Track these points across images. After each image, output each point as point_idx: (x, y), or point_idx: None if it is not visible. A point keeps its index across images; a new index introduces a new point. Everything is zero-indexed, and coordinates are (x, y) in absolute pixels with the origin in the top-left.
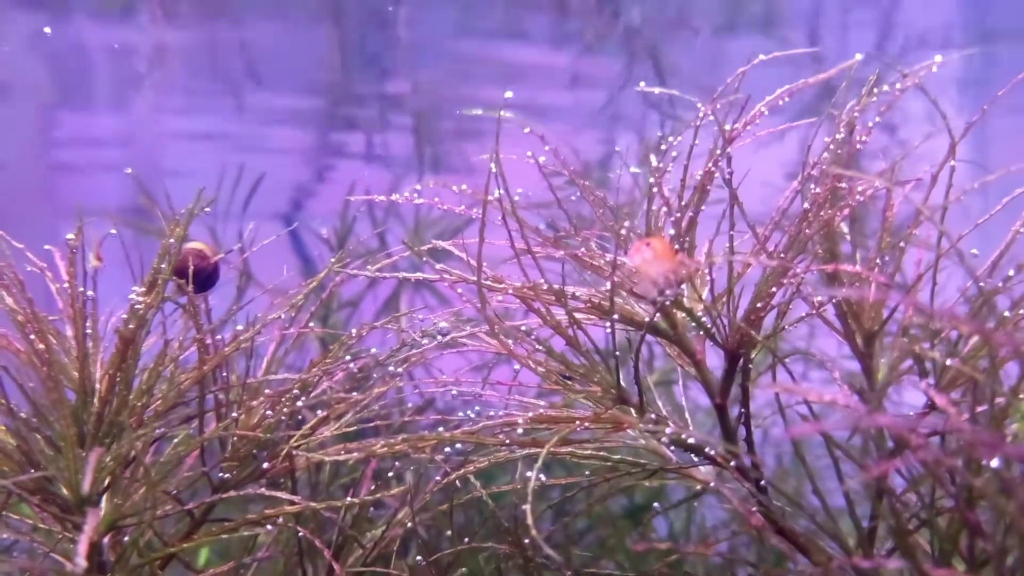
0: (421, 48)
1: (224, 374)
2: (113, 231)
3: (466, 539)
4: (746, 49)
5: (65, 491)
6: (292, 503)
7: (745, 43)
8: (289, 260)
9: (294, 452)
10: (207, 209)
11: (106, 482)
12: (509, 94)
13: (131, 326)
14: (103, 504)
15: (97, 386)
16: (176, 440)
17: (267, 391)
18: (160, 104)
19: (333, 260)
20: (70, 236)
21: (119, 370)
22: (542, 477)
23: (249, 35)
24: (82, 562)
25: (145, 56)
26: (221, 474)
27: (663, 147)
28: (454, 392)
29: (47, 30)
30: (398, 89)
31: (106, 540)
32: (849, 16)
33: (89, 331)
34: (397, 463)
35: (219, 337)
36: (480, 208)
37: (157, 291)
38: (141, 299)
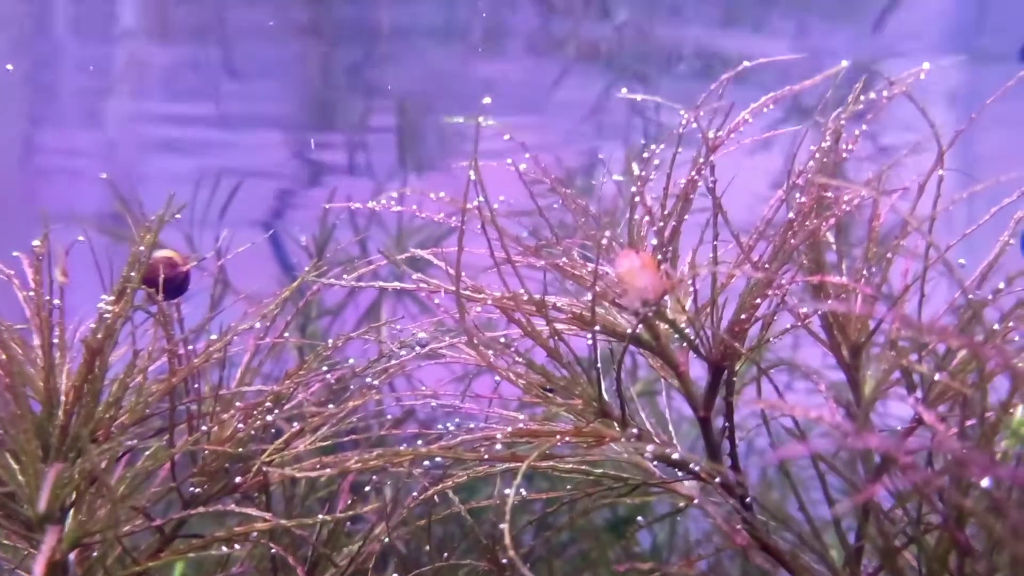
0: (404, 55)
1: (196, 385)
2: (81, 238)
3: (445, 554)
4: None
5: (27, 508)
6: (264, 519)
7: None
8: (270, 268)
9: (265, 467)
10: (178, 215)
11: (72, 497)
12: (487, 100)
13: (99, 336)
14: (69, 520)
15: (63, 398)
16: (147, 453)
17: (238, 403)
18: (138, 109)
19: (308, 268)
20: (36, 242)
21: (86, 381)
22: (522, 492)
23: (230, 41)
24: None
25: (124, 56)
26: (192, 488)
27: (645, 155)
28: (433, 404)
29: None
30: (381, 96)
31: (72, 557)
32: (835, 35)
33: (56, 341)
34: (375, 477)
35: (191, 347)
36: (463, 217)
37: (126, 300)
38: (109, 308)
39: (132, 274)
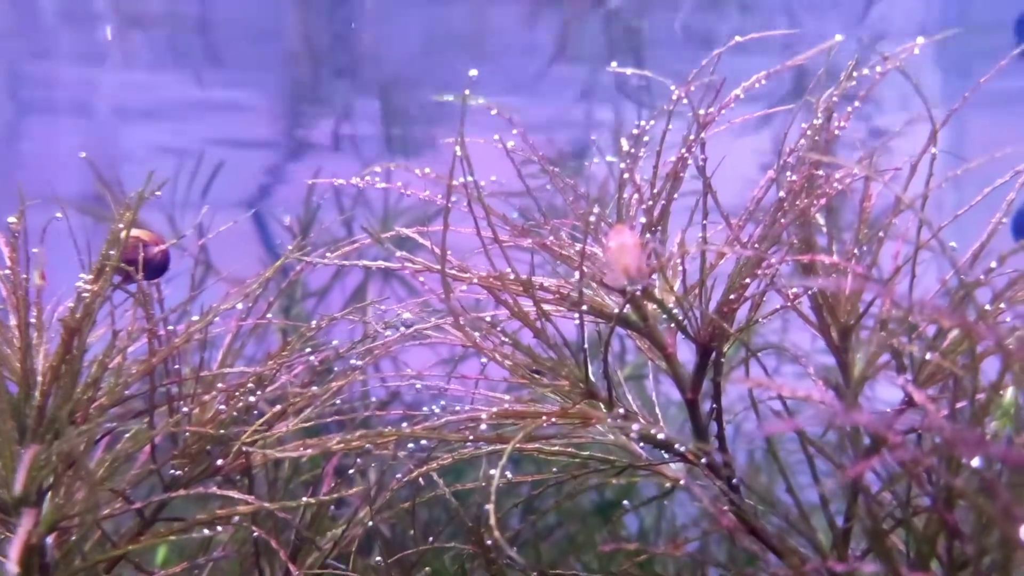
0: (390, 32)
1: (176, 366)
2: (59, 215)
3: (430, 538)
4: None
5: (3, 490)
6: (247, 502)
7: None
8: (254, 250)
9: (246, 449)
10: (158, 192)
11: (49, 480)
12: (474, 72)
13: (77, 315)
14: (46, 503)
15: (39, 379)
16: (127, 435)
17: (219, 385)
18: (121, 89)
19: (290, 248)
20: (12, 219)
21: (63, 361)
22: (508, 474)
23: (212, 16)
24: (13, 567)
25: (107, 34)
26: (173, 471)
27: (635, 132)
28: (418, 386)
29: None
30: (366, 75)
31: (51, 540)
32: (826, 14)
33: (33, 320)
34: (359, 459)
35: (172, 328)
36: (448, 195)
37: (104, 279)
38: (88, 287)
39: (111, 252)
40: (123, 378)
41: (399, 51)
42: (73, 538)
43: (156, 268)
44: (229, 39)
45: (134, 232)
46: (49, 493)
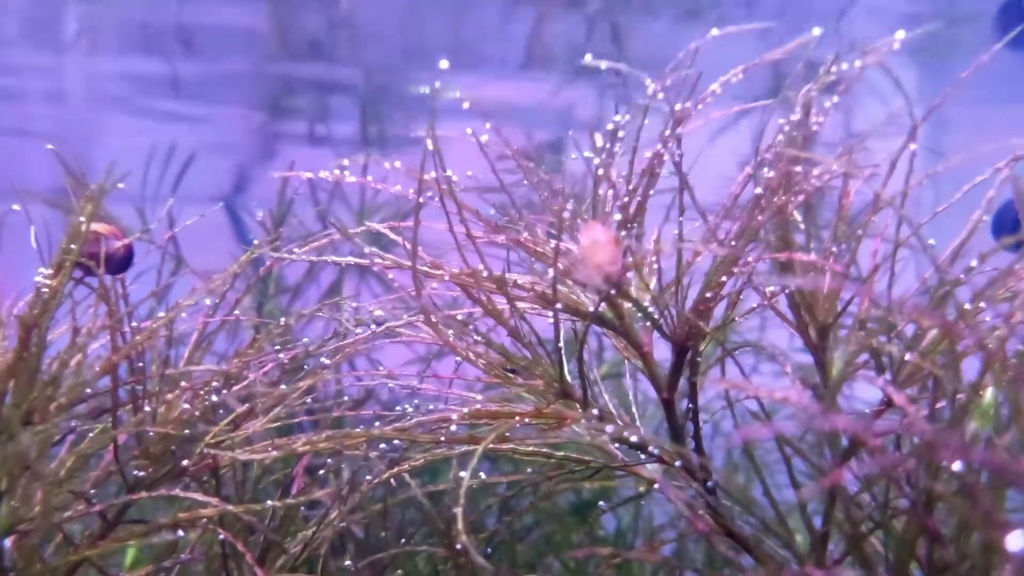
0: (367, 27)
1: (140, 364)
2: (16, 207)
3: (403, 540)
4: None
5: None
6: (212, 504)
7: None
8: (229, 246)
9: (208, 450)
10: (121, 185)
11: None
12: (445, 64)
13: (35, 311)
14: (2, 506)
15: None
16: (90, 435)
17: (183, 383)
18: (93, 80)
19: (256, 242)
20: None
21: (20, 359)
22: (482, 475)
23: (187, 9)
24: None
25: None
26: (136, 472)
27: (610, 127)
28: (390, 385)
29: None
30: (344, 69)
31: (9, 544)
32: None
33: None
34: (330, 459)
35: (135, 325)
36: (420, 189)
37: (64, 273)
38: (47, 282)
39: (72, 246)
40: (83, 376)
41: (377, 46)
42: (34, 541)
43: (119, 263)
44: (205, 34)
45: (94, 226)
46: (4, 495)
